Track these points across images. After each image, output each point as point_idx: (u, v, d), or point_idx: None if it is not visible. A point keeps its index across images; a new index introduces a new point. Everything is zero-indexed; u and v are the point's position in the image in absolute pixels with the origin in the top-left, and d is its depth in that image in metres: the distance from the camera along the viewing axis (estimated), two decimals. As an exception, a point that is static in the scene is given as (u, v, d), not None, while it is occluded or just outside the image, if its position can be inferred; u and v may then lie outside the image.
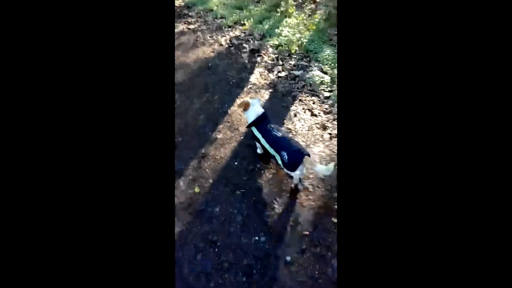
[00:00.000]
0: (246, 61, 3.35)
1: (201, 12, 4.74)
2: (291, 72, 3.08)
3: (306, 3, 4.87)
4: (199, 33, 4.08)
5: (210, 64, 3.27)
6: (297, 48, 3.42)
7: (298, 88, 2.86)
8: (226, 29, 4.17)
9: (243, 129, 2.40)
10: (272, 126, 1.87)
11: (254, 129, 1.92)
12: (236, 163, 2.11)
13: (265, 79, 3.02)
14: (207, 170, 2.08)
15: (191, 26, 4.27)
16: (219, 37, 3.94)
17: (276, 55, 3.39)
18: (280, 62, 3.27)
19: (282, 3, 4.88)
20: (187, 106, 2.71)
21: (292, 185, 1.89)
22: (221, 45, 3.72)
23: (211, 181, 1.98)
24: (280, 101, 2.69)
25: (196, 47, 3.69)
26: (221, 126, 2.46)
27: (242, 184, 1.94)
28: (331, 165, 1.57)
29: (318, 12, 4.17)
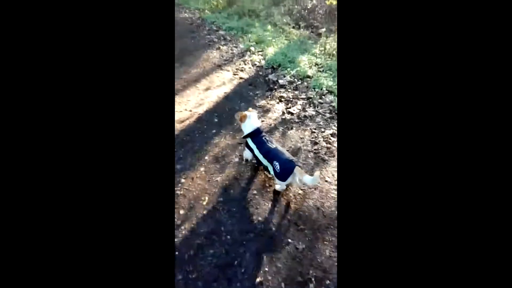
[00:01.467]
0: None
1: (295, 79, 3.44)
2: None
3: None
4: (308, 122, 2.74)
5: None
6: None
7: None
8: (343, 115, 2.82)
9: None
10: (267, 138, 1.95)
11: (249, 140, 2.00)
12: None
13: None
14: None
15: (293, 109, 2.93)
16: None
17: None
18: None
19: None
20: None
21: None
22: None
23: None
24: None
25: (321, 161, 2.33)
26: None
27: None
28: (317, 175, 1.67)
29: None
